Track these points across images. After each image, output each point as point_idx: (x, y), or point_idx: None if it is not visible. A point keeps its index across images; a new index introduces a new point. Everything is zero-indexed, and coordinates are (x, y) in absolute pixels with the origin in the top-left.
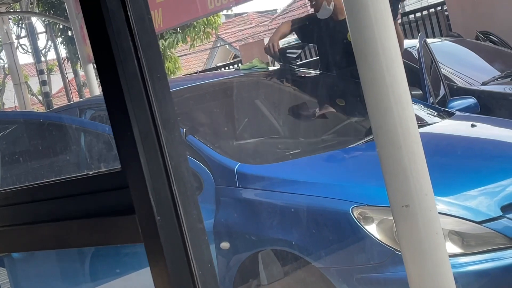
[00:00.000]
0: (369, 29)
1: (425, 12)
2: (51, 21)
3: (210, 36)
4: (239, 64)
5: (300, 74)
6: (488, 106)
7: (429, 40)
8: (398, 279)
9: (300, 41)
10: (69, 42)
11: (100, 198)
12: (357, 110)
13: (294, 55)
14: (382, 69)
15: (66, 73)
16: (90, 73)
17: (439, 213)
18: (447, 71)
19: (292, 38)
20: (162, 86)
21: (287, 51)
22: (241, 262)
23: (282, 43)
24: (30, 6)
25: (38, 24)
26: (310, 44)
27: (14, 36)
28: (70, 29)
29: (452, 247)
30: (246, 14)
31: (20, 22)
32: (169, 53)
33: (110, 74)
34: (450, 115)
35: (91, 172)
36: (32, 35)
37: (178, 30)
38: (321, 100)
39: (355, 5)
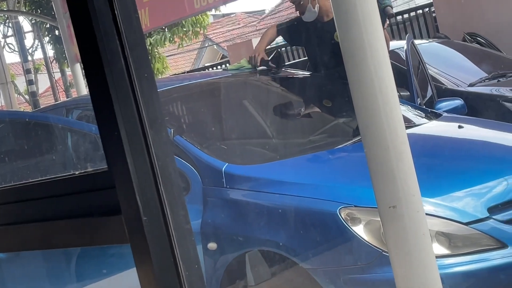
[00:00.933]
0: (357, 29)
1: (412, 13)
2: (38, 20)
3: (199, 36)
4: (227, 65)
5: (287, 75)
6: (475, 107)
7: (416, 41)
8: (385, 280)
9: (287, 43)
10: (56, 42)
11: (86, 198)
12: (344, 111)
13: (275, 65)
14: (369, 70)
15: (53, 72)
16: (77, 73)
17: (426, 214)
18: (434, 72)
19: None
20: (150, 86)
21: (267, 61)
22: (228, 262)
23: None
24: (17, 5)
25: (25, 23)
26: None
27: (0, 35)
28: (57, 28)
29: (439, 248)
30: (234, 15)
31: (7, 21)
32: (156, 52)
33: (97, 74)
34: (437, 116)
35: (77, 172)
36: (19, 34)
37: (165, 29)
38: (307, 100)
39: (343, 5)
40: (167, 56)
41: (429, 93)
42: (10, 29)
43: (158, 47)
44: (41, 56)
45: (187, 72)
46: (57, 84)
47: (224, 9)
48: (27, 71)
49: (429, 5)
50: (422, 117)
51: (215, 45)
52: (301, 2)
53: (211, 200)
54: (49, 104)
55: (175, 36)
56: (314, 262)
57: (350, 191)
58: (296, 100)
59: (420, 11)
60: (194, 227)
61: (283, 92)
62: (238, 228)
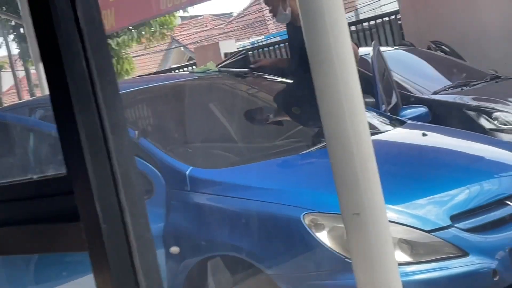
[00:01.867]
0: (324, 36)
1: (379, 21)
2: (3, 17)
3: (166, 38)
4: (194, 67)
5: (256, 79)
6: (439, 115)
7: (382, 48)
8: (347, 286)
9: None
10: (21, 40)
11: (44, 203)
12: (312, 118)
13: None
14: (336, 76)
15: (17, 71)
16: (42, 72)
17: (389, 221)
18: (399, 79)
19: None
20: (112, 90)
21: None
22: (190, 268)
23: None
24: None
25: None
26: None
27: None
28: (22, 27)
29: (401, 256)
30: (201, 17)
31: None
32: (124, 52)
33: (57, 76)
34: (402, 123)
35: (35, 176)
36: None
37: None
38: (276, 106)
39: (310, 12)
40: (133, 57)
41: (393, 100)
42: None
43: (126, 48)
44: (6, 53)
45: (154, 73)
46: (21, 83)
47: (192, 11)
48: None
49: (395, 12)
50: (387, 124)
51: (182, 47)
52: (273, 4)
53: (175, 203)
54: (12, 103)
55: (141, 37)
56: (278, 268)
57: (314, 197)
58: (263, 104)
59: (387, 18)
60: (156, 230)
61: (249, 96)
62: (201, 233)
